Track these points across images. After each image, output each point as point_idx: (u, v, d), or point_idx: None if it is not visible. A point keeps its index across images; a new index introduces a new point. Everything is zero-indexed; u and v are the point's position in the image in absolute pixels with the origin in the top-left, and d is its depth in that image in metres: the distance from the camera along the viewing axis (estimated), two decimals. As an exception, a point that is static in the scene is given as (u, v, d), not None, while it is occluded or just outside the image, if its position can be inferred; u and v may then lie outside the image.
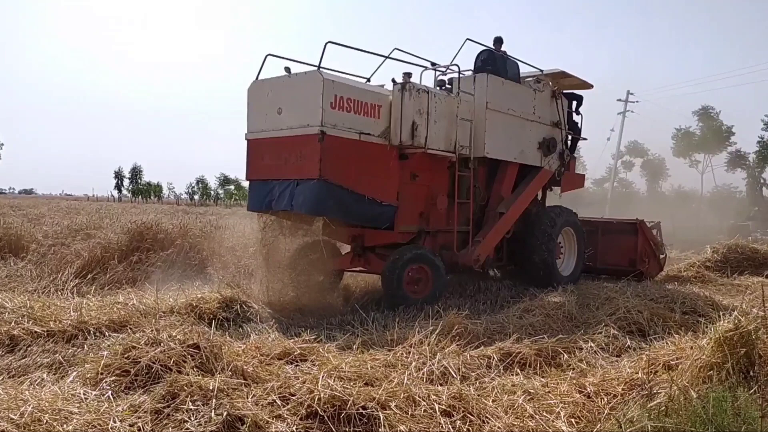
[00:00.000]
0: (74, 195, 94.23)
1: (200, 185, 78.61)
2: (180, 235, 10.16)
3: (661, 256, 11.82)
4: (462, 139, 8.76)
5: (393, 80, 8.30)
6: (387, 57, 8.66)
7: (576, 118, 11.29)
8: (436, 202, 8.77)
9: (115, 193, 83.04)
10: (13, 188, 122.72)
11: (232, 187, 77.61)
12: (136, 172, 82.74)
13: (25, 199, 61.17)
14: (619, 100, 40.95)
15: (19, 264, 10.11)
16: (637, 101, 42.18)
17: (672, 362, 4.58)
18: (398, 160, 8.25)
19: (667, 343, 5.11)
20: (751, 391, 3.43)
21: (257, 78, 8.25)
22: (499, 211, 9.56)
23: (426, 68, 9.20)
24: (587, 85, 11.38)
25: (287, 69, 7.95)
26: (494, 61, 9.56)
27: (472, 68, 9.68)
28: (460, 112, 8.70)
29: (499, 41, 9.95)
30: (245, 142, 8.48)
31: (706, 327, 4.46)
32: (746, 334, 3.90)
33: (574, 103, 11.18)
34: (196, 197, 78.83)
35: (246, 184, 9.54)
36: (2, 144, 67.62)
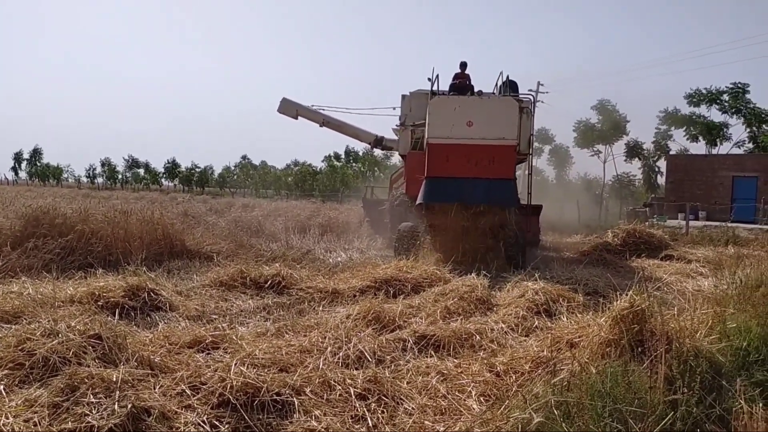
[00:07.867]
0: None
1: (105, 167, 73.44)
2: (80, 220, 9.55)
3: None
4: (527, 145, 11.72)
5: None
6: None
7: None
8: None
9: (11, 175, 76.71)
10: None
11: (141, 170, 73.45)
12: (36, 154, 76.50)
13: None
14: (530, 90, 42.51)
15: None
16: (547, 92, 43.98)
17: (575, 340, 4.82)
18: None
19: (570, 322, 5.37)
20: (643, 366, 3.68)
21: (437, 94, 10.82)
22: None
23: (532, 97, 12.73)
24: None
25: (480, 92, 11.07)
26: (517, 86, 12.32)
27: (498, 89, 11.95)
28: (532, 126, 11.94)
29: (465, 65, 12.01)
30: (426, 146, 10.68)
31: (606, 306, 4.72)
32: (640, 312, 4.17)
33: None
34: (100, 180, 73.79)
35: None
36: None
